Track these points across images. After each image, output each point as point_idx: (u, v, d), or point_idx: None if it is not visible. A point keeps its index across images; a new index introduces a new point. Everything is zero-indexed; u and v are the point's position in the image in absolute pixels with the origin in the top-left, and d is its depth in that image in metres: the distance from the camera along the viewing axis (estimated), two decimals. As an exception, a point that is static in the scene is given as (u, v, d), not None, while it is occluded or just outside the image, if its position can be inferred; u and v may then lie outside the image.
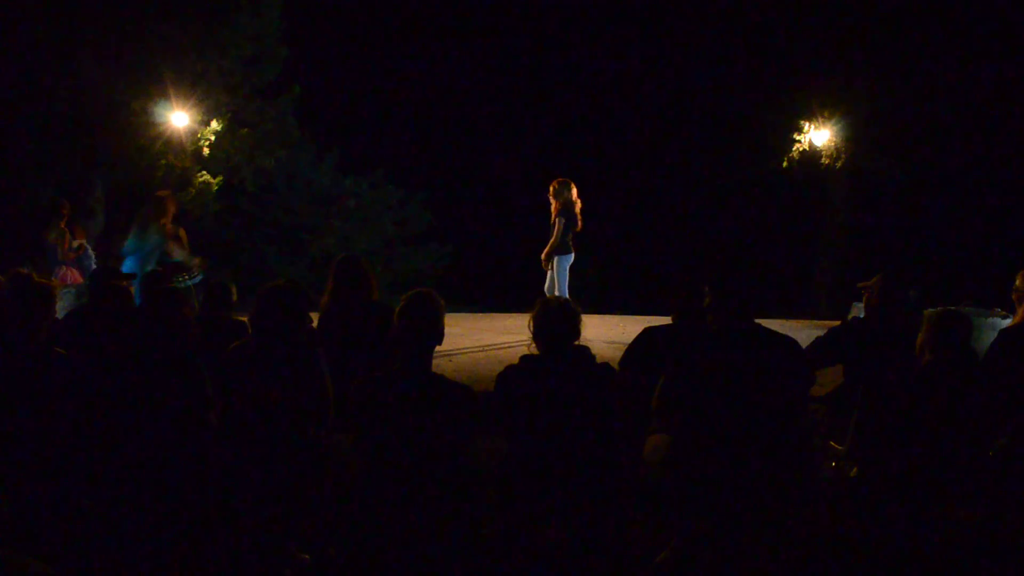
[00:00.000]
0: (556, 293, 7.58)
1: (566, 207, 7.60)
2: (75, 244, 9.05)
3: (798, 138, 12.85)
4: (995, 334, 4.44)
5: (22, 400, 3.43)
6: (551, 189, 7.69)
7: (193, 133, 11.35)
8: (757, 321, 3.54)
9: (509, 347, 7.52)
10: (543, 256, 7.67)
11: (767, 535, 3.35)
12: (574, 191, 7.66)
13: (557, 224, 7.58)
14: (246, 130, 12.22)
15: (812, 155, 12.87)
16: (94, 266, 9.16)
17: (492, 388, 3.39)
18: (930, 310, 3.68)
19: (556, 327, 3.36)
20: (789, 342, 3.52)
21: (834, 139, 12.74)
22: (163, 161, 11.33)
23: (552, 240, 7.61)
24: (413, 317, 3.18)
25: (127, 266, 7.65)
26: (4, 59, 10.11)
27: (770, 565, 3.31)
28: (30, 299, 3.59)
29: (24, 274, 3.82)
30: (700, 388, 3.45)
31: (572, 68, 20.48)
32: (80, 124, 10.73)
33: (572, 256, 7.70)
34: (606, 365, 3.47)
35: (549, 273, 7.72)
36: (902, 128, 13.10)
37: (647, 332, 4.31)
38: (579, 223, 7.70)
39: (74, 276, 8.85)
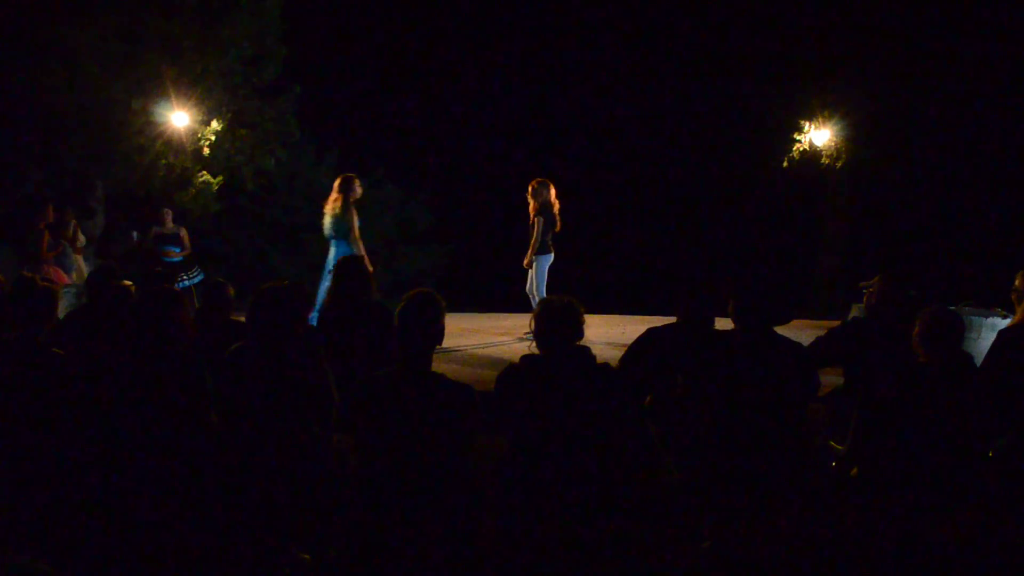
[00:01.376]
0: (534, 292, 7.70)
1: (544, 207, 7.69)
2: (51, 256, 9.01)
3: (798, 138, 12.84)
4: (995, 334, 4.44)
5: (22, 401, 3.43)
6: (530, 189, 7.80)
7: (193, 133, 11.34)
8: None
9: (509, 347, 7.53)
10: (526, 258, 7.74)
11: (772, 535, 3.35)
12: (552, 191, 7.76)
13: (536, 224, 7.67)
14: (246, 130, 12.21)
15: (812, 155, 12.86)
16: (71, 265, 9.15)
17: (492, 388, 3.39)
18: (923, 310, 3.68)
19: (558, 327, 3.36)
20: (800, 350, 3.64)
21: (834, 139, 12.73)
22: (163, 161, 11.32)
23: (533, 241, 7.69)
24: (413, 317, 3.18)
25: (340, 252, 7.48)
26: (4, 59, 10.11)
27: (771, 565, 3.32)
28: (31, 301, 3.60)
29: (27, 276, 3.82)
30: (712, 390, 3.53)
31: (573, 68, 20.47)
32: (80, 124, 10.73)
33: (552, 256, 7.80)
34: (606, 365, 3.47)
35: (529, 273, 7.80)
36: (902, 128, 13.10)
37: (651, 332, 4.33)
38: (558, 223, 7.77)
39: (52, 274, 8.79)
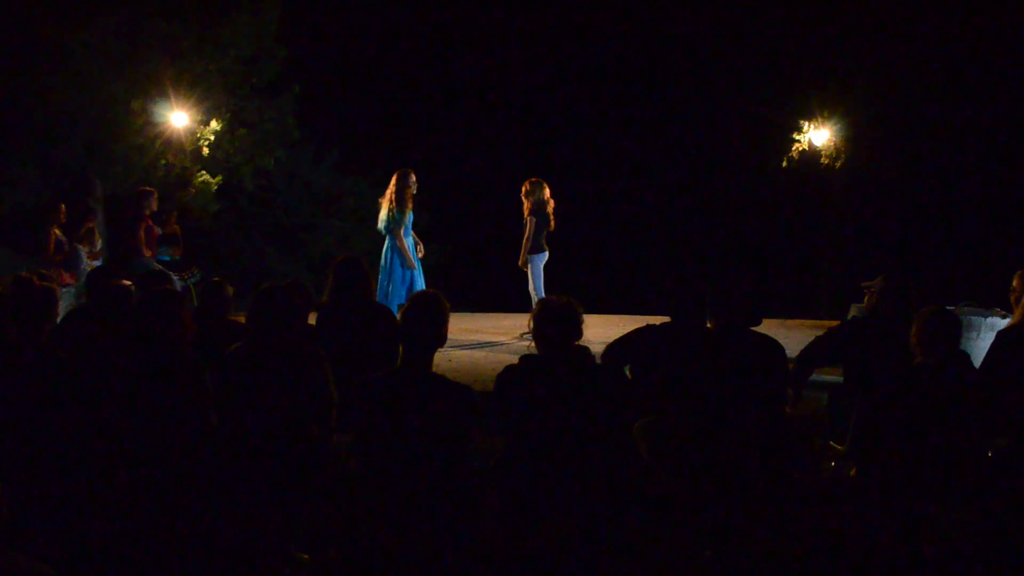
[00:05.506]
0: (531, 292, 7.73)
1: (538, 206, 7.72)
2: (58, 259, 8.96)
3: (798, 138, 12.83)
4: (994, 334, 4.44)
5: (23, 401, 3.43)
6: (523, 189, 7.83)
7: (193, 133, 11.34)
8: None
9: (509, 347, 7.53)
10: (520, 258, 7.77)
11: (764, 531, 3.36)
12: (547, 191, 7.81)
13: (529, 224, 7.70)
14: (245, 130, 12.21)
15: (812, 155, 12.86)
16: (84, 266, 9.10)
17: (492, 388, 3.39)
18: (920, 310, 3.69)
19: (557, 327, 3.36)
20: (773, 345, 3.73)
21: (834, 139, 12.73)
22: (163, 161, 11.33)
23: (525, 240, 7.72)
24: (418, 318, 3.18)
25: (391, 245, 7.67)
26: (4, 58, 10.10)
27: (770, 564, 3.32)
28: (30, 301, 3.60)
29: (25, 278, 3.82)
30: (687, 385, 3.64)
31: (573, 68, 20.47)
32: (80, 124, 10.73)
33: (546, 255, 7.85)
34: (604, 365, 3.48)
35: (528, 273, 7.84)
36: (902, 128, 13.10)
37: (645, 328, 4.36)
38: (552, 223, 7.80)
39: (56, 275, 8.73)
